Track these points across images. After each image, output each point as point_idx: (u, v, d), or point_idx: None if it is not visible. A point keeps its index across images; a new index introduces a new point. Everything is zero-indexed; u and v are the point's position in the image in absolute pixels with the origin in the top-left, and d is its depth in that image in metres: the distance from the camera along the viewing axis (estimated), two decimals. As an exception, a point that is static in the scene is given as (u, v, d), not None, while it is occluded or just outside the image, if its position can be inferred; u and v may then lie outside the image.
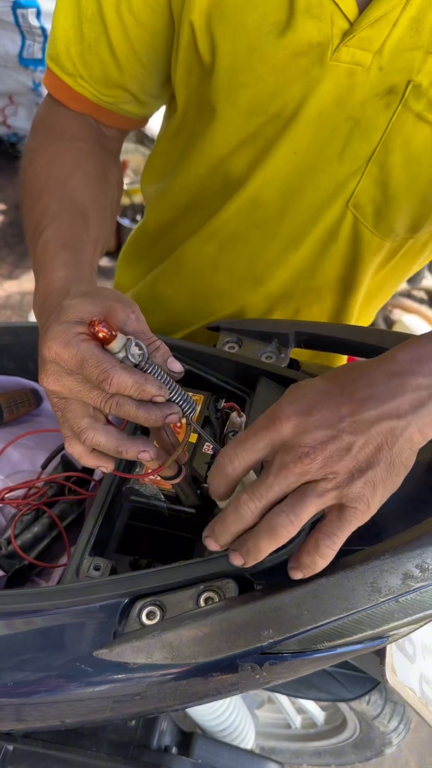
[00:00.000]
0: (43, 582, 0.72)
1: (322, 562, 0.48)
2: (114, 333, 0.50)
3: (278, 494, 0.48)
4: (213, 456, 0.67)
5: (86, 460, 0.55)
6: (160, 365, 0.53)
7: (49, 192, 0.72)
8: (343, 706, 1.04)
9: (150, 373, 0.52)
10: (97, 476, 0.77)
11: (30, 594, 0.56)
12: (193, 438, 0.68)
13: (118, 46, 0.73)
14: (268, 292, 0.88)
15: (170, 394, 0.53)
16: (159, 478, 0.63)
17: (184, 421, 0.69)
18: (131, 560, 0.64)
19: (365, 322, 1.01)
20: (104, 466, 0.55)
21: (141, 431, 0.70)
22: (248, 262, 0.85)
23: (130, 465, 0.66)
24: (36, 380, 0.91)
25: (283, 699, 1.16)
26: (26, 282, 2.69)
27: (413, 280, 2.55)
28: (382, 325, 2.51)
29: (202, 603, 0.53)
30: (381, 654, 0.66)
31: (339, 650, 0.52)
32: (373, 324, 2.57)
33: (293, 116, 0.70)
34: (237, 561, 0.50)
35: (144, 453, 0.53)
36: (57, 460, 0.80)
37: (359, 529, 0.56)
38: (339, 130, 0.71)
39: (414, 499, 0.57)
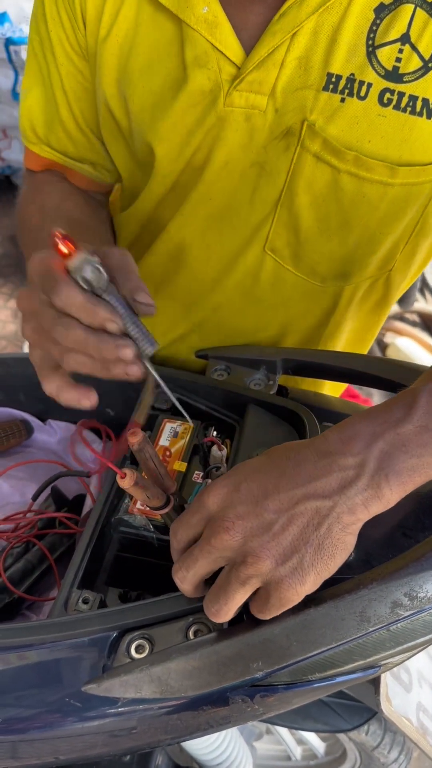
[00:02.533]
0: (33, 616, 0.71)
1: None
2: (72, 250, 0.48)
3: (205, 567, 0.49)
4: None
5: (66, 393, 0.53)
6: (125, 295, 0.51)
7: (48, 219, 0.76)
8: (342, 736, 1.02)
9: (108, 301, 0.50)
10: (86, 509, 0.77)
11: (17, 629, 0.55)
12: (183, 467, 0.68)
13: (67, 123, 0.79)
14: (199, 335, 0.89)
15: (125, 325, 0.51)
16: (148, 508, 0.62)
17: (173, 450, 0.69)
18: (121, 592, 0.63)
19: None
20: (86, 398, 0.53)
21: (130, 461, 0.70)
22: (181, 304, 0.86)
23: (118, 496, 0.66)
24: (26, 411, 0.91)
25: (282, 730, 1.14)
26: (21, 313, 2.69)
27: (405, 303, 2.56)
28: (375, 349, 2.51)
29: (191, 635, 0.52)
30: (375, 683, 0.65)
31: (331, 681, 0.51)
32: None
33: (203, 166, 0.72)
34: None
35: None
36: (48, 491, 0.79)
37: (349, 557, 0.56)
38: (247, 176, 0.71)
39: (403, 525, 0.57)
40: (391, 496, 0.46)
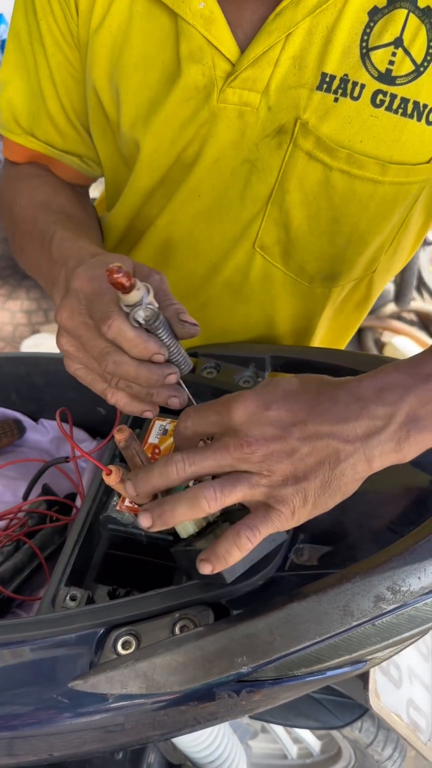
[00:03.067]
0: (24, 614, 0.71)
1: (236, 554, 0.48)
2: (131, 284, 0.48)
3: (209, 468, 0.49)
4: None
5: (131, 407, 0.55)
6: (170, 318, 0.53)
7: (41, 213, 0.75)
8: (337, 734, 1.02)
9: (156, 334, 0.52)
10: (79, 503, 0.77)
11: (4, 626, 0.55)
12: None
13: (56, 116, 0.78)
14: None
15: (170, 353, 0.53)
16: (136, 505, 0.63)
17: (162, 448, 0.70)
18: (109, 590, 0.64)
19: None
20: (150, 410, 0.55)
21: (120, 459, 0.70)
22: None
23: (107, 494, 0.66)
24: (19, 411, 0.92)
25: (278, 729, 1.15)
26: (18, 314, 2.70)
27: (402, 302, 2.56)
28: (373, 348, 2.52)
29: (177, 631, 0.52)
30: (364, 679, 0.65)
31: (317, 676, 0.51)
32: (363, 346, 2.58)
33: (193, 162, 0.72)
34: (145, 521, 0.50)
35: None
36: (39, 489, 0.79)
37: (335, 552, 0.56)
38: (238, 173, 0.72)
39: (390, 520, 0.57)
40: (408, 452, 0.49)
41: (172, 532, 0.61)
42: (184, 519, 0.50)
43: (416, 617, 0.49)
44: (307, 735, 1.14)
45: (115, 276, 0.46)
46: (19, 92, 0.78)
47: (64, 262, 0.62)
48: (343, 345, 0.98)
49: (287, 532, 0.55)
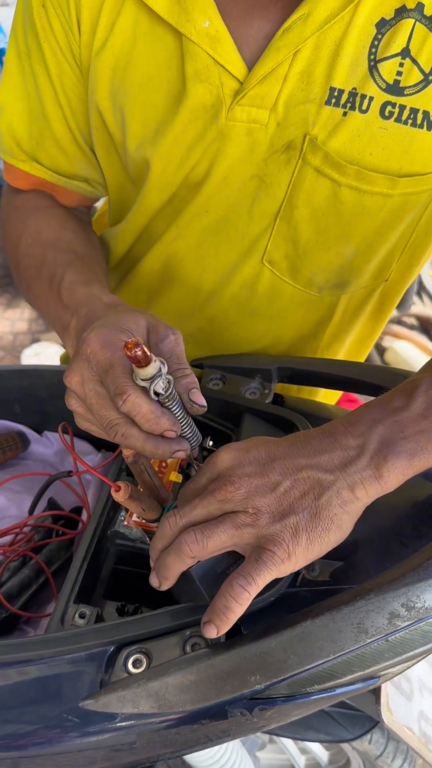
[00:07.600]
0: (31, 630, 0.71)
1: (236, 607, 0.47)
2: (148, 358, 0.48)
3: (199, 517, 0.50)
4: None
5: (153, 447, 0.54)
6: (180, 393, 0.53)
7: (50, 252, 0.75)
8: (346, 745, 1.01)
9: (169, 408, 0.51)
10: (84, 517, 0.76)
11: (13, 644, 0.54)
12: (179, 478, 0.67)
13: (62, 138, 0.77)
14: (193, 345, 0.88)
15: (182, 428, 0.53)
16: (144, 520, 0.62)
17: (168, 461, 0.69)
18: (118, 606, 0.63)
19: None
20: (184, 449, 0.54)
21: (126, 473, 0.70)
22: (175, 315, 0.86)
23: (114, 509, 0.66)
24: (22, 423, 0.91)
25: (285, 740, 1.14)
26: (18, 322, 2.70)
27: (403, 307, 2.56)
28: (373, 352, 2.51)
29: (188, 649, 0.52)
30: (376, 693, 0.65)
31: (330, 692, 0.51)
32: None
33: (202, 181, 0.71)
34: (154, 582, 0.53)
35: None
36: (44, 503, 0.79)
37: (346, 567, 0.55)
38: (246, 188, 0.71)
39: (400, 533, 0.56)
40: (389, 479, 0.49)
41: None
42: (179, 568, 0.50)
43: (429, 632, 0.48)
44: (315, 746, 1.13)
45: (133, 351, 0.46)
46: (18, 115, 0.76)
47: (75, 308, 0.62)
48: (365, 354, 0.97)
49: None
